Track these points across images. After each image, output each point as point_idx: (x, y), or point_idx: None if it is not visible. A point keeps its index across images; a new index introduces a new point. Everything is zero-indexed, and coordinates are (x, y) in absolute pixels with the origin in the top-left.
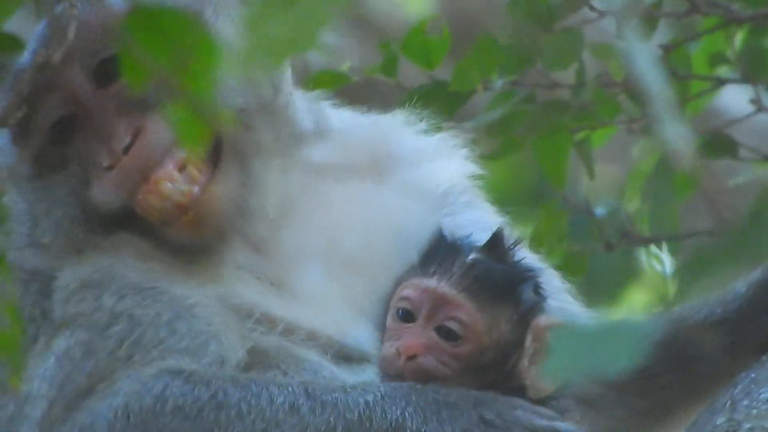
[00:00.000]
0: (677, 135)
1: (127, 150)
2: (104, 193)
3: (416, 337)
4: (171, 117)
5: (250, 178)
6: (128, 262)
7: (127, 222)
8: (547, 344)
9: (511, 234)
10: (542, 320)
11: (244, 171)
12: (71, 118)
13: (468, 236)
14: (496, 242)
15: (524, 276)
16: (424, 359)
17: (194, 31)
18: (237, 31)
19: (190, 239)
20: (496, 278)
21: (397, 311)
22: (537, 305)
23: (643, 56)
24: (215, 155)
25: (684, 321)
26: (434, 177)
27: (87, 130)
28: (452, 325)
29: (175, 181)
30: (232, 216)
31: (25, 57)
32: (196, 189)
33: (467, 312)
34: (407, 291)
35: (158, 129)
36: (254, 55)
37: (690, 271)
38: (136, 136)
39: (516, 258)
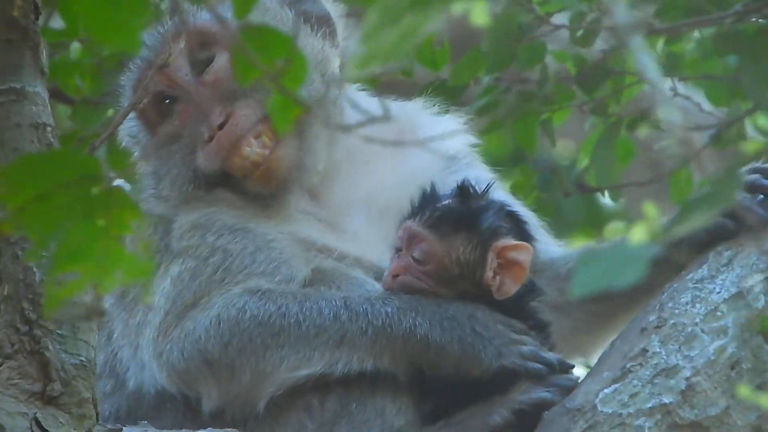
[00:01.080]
0: (669, 111)
1: (221, 127)
2: (205, 158)
3: (399, 262)
4: (271, 105)
5: (304, 143)
6: (224, 210)
7: (223, 181)
8: (510, 260)
9: (487, 183)
10: (501, 242)
11: (300, 139)
12: (177, 101)
13: (450, 190)
14: (462, 189)
15: (482, 210)
16: (404, 277)
17: (288, 45)
18: (354, 41)
19: (263, 189)
20: (453, 215)
21: (393, 246)
22: (496, 232)
23: (645, 57)
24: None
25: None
26: (444, 145)
27: (190, 112)
28: (416, 253)
29: (252, 146)
30: (292, 171)
31: (147, 58)
32: (267, 152)
33: (428, 242)
34: (399, 231)
35: (244, 113)
36: (368, 60)
37: (676, 219)
38: (228, 117)
39: (484, 200)
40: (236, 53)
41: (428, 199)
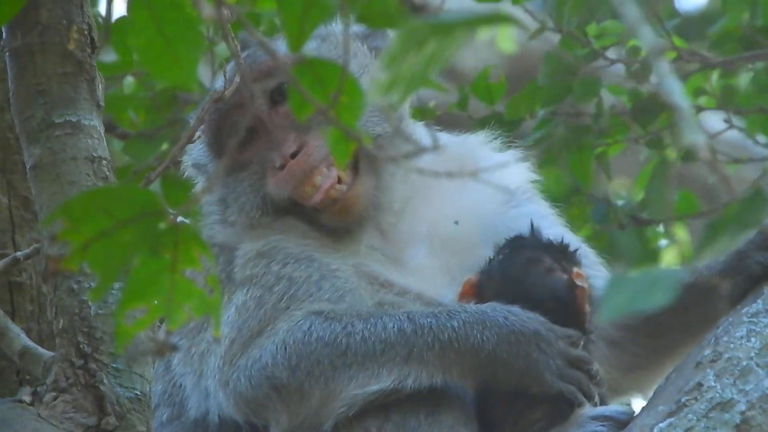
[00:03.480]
0: (698, 140)
1: (294, 156)
2: (275, 186)
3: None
4: (327, 139)
5: (381, 181)
6: (290, 238)
7: (291, 210)
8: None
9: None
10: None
11: (376, 177)
12: (251, 131)
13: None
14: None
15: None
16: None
17: (343, 77)
18: (377, 68)
19: (337, 223)
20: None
21: None
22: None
23: (671, 82)
24: (356, 165)
25: (696, 274)
26: (505, 180)
27: (263, 140)
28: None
29: (324, 176)
30: (368, 209)
31: (206, 95)
32: (345, 188)
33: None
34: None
35: (317, 144)
36: (390, 85)
37: (704, 241)
38: (301, 146)
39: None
40: (291, 88)
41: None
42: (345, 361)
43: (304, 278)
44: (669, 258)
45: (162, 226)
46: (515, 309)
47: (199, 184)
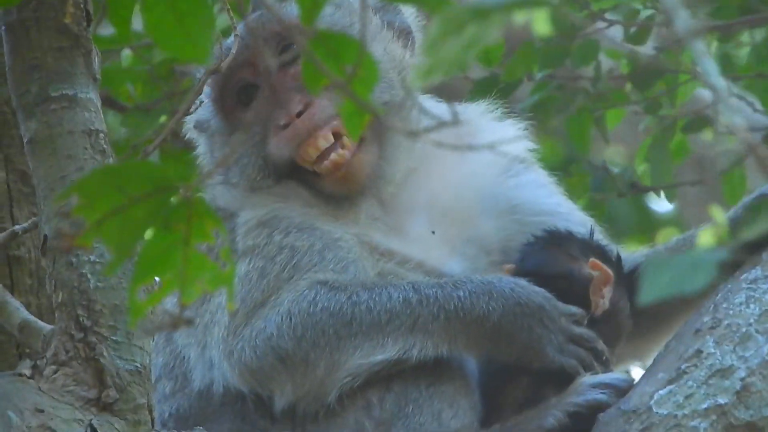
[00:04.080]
0: (732, 115)
1: (299, 115)
2: (278, 146)
3: None
4: (340, 111)
5: (385, 151)
6: (292, 206)
7: (293, 173)
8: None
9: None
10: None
11: (381, 146)
12: (256, 89)
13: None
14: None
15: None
16: None
17: (358, 50)
18: (418, 51)
19: (339, 191)
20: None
21: None
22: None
23: (708, 62)
24: (362, 133)
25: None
26: (503, 150)
27: (269, 98)
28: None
29: (330, 142)
30: (371, 177)
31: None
32: (348, 154)
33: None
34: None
35: (324, 104)
36: (431, 70)
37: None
38: (306, 106)
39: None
40: (305, 59)
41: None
42: (350, 331)
43: (307, 247)
44: (669, 230)
45: (174, 200)
46: (522, 281)
47: (201, 145)
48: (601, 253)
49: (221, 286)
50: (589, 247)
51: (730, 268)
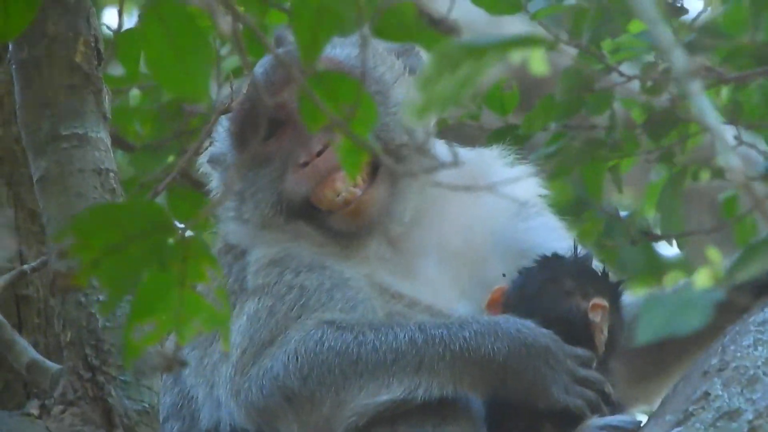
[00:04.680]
0: (731, 159)
1: (319, 154)
2: (296, 183)
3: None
4: (338, 148)
5: (396, 190)
6: (303, 245)
7: (304, 212)
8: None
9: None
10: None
11: (393, 185)
12: (279, 124)
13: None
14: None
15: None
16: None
17: (356, 90)
18: (412, 89)
19: (347, 227)
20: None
21: None
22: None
23: (704, 103)
24: (374, 172)
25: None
26: (515, 194)
27: (290, 136)
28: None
29: (345, 183)
30: (379, 215)
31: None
32: (358, 191)
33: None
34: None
35: None
36: (425, 107)
37: (739, 262)
38: (325, 146)
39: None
40: (303, 98)
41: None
42: (356, 370)
43: (316, 287)
44: (701, 278)
45: (171, 240)
46: (528, 323)
47: (214, 180)
48: (593, 278)
49: (217, 327)
50: (582, 275)
51: (736, 310)
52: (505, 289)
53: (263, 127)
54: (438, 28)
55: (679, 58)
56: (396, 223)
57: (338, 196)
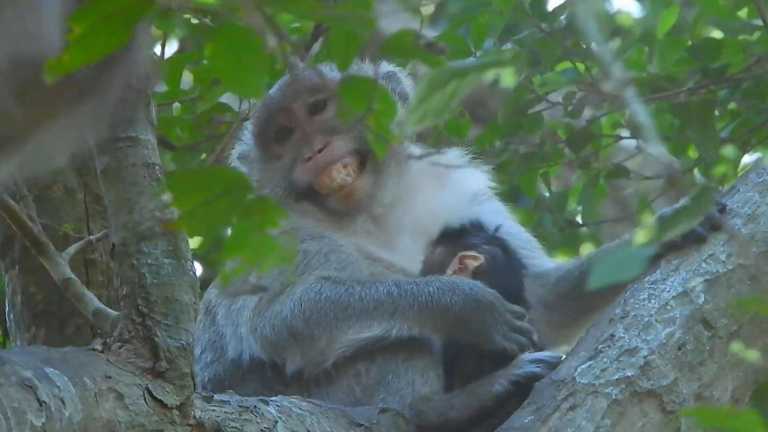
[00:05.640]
0: (660, 153)
1: (320, 151)
2: (302, 173)
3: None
4: (371, 139)
5: (379, 180)
6: (307, 220)
7: (308, 195)
8: (465, 264)
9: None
10: (465, 252)
11: (377, 177)
12: (289, 130)
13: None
14: (476, 225)
15: (475, 235)
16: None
17: (382, 93)
18: (409, 101)
19: (341, 207)
20: (449, 234)
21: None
22: (468, 246)
23: (640, 108)
24: (363, 165)
25: None
26: (471, 185)
27: (297, 137)
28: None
29: (340, 173)
30: (366, 199)
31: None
32: (350, 180)
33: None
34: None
35: (338, 144)
36: (422, 117)
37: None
38: (325, 145)
39: (469, 229)
40: (340, 100)
41: (446, 231)
42: (346, 314)
43: (316, 251)
44: (638, 237)
45: (250, 197)
46: (478, 284)
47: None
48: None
49: (286, 262)
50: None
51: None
52: (467, 255)
53: (277, 132)
54: (430, 50)
55: (618, 70)
56: (378, 205)
57: (334, 183)
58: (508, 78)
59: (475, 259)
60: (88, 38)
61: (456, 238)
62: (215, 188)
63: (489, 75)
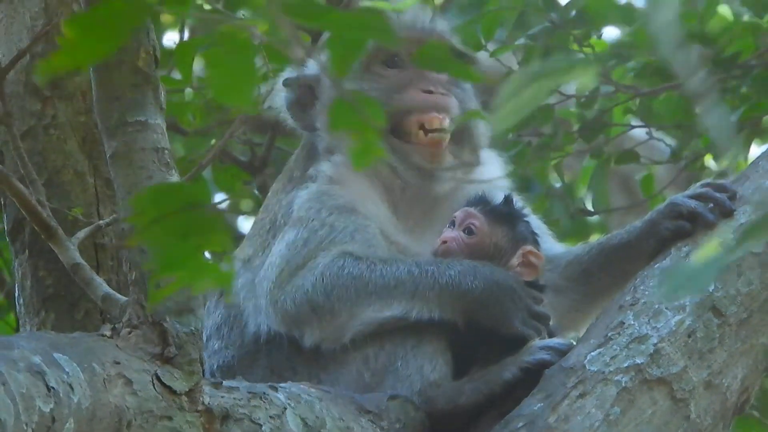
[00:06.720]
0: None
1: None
2: (412, 98)
3: (450, 233)
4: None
5: (457, 159)
6: (343, 190)
7: (392, 139)
8: (529, 261)
9: (519, 202)
10: (528, 247)
11: (456, 156)
12: (402, 61)
13: (498, 199)
14: (507, 199)
15: (519, 218)
16: (450, 244)
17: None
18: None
19: (423, 162)
20: (500, 212)
21: (449, 222)
22: (527, 238)
23: (715, 111)
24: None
25: (620, 237)
26: (490, 173)
27: (415, 71)
28: (467, 228)
29: (445, 125)
30: (441, 171)
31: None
32: (447, 138)
33: (480, 222)
34: (458, 212)
35: (453, 103)
36: (509, 114)
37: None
38: (446, 95)
39: (520, 212)
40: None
41: (484, 197)
42: (366, 291)
43: (342, 228)
44: (596, 234)
45: (193, 217)
46: (499, 268)
47: (286, 99)
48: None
49: (221, 285)
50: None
51: (648, 257)
52: (532, 252)
53: (389, 56)
54: (462, 60)
55: (701, 78)
56: (437, 185)
57: (437, 126)
58: (588, 80)
59: (539, 258)
60: (78, 44)
61: (501, 215)
62: (172, 205)
63: (572, 78)
